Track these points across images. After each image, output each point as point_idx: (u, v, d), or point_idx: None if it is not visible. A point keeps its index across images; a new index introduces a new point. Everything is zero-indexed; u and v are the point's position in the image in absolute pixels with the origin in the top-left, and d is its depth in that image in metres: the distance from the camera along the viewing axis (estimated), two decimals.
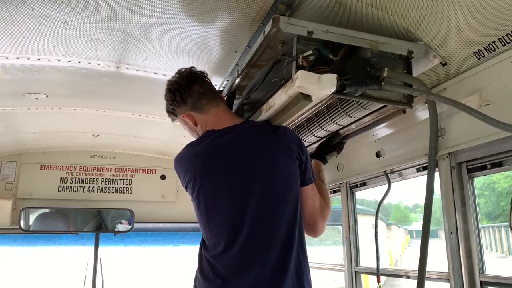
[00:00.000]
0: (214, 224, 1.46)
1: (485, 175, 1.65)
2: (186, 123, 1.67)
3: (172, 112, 1.69)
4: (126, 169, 3.86)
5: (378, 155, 2.14)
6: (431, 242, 1.69)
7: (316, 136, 2.28)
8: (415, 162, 1.91)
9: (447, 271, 1.67)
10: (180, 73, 1.64)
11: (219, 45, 1.83)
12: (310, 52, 1.35)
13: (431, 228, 1.68)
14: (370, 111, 1.88)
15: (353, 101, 1.80)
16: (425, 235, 1.66)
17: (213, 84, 1.72)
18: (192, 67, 1.67)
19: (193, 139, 1.65)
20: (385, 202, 2.35)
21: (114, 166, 3.84)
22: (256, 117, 1.62)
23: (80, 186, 3.71)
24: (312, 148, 2.32)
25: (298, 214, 1.45)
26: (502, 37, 1.30)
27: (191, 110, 1.62)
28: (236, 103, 2.01)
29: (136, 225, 3.61)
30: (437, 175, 1.72)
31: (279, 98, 1.40)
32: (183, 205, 3.83)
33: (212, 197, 1.48)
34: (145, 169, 3.91)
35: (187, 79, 1.62)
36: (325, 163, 2.10)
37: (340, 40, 1.39)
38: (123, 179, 3.84)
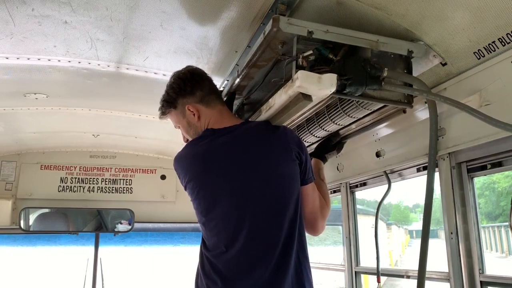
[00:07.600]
0: (214, 225, 1.46)
1: (485, 175, 1.66)
2: (184, 117, 1.62)
3: (171, 102, 1.62)
4: (126, 169, 3.86)
5: (378, 155, 2.14)
6: (431, 242, 1.69)
7: (316, 136, 2.28)
8: (415, 162, 1.91)
9: (447, 271, 1.67)
10: (190, 67, 1.66)
11: (219, 45, 1.82)
12: (310, 52, 1.35)
13: (431, 228, 1.68)
14: (370, 111, 1.88)
15: (353, 101, 1.80)
16: (425, 235, 1.66)
17: None
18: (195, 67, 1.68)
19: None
20: (385, 202, 2.36)
21: (114, 166, 3.84)
22: (256, 117, 1.62)
23: (80, 186, 3.71)
24: (312, 148, 2.32)
25: (298, 214, 1.45)
26: (502, 37, 1.30)
27: (198, 102, 1.60)
28: (236, 103, 2.01)
29: (136, 225, 3.61)
30: (437, 175, 1.71)
31: (279, 98, 1.40)
32: (183, 205, 3.82)
33: (212, 198, 1.47)
34: (145, 169, 3.91)
35: (200, 74, 1.65)
36: (324, 162, 2.10)
37: (340, 40, 1.39)
38: (123, 179, 3.84)
